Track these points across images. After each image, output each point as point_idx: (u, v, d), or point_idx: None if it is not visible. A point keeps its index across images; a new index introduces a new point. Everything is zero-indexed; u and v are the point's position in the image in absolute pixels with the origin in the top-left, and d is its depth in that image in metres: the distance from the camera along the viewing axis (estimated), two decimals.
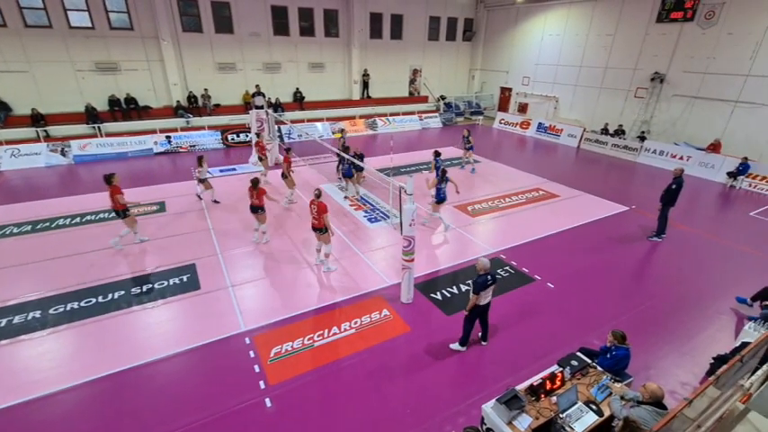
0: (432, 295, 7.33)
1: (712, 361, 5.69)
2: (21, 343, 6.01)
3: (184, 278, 7.66)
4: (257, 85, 18.81)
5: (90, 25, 16.07)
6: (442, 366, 5.75)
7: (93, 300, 6.98)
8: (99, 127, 16.10)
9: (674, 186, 9.18)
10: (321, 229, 7.61)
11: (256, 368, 5.61)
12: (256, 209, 8.80)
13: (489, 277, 5.58)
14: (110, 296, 7.09)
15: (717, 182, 14.26)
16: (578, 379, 4.56)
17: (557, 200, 12.12)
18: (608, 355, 4.76)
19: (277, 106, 19.49)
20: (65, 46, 15.84)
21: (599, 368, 4.72)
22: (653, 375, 5.59)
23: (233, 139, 17.69)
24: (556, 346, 6.03)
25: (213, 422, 4.81)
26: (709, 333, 6.55)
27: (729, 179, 13.88)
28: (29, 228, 9.61)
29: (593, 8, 19.13)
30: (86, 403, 5.07)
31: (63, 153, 14.92)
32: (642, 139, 17.20)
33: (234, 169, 14.45)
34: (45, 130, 15.43)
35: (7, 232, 9.38)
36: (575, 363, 4.69)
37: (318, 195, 7.59)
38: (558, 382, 4.40)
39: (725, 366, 3.66)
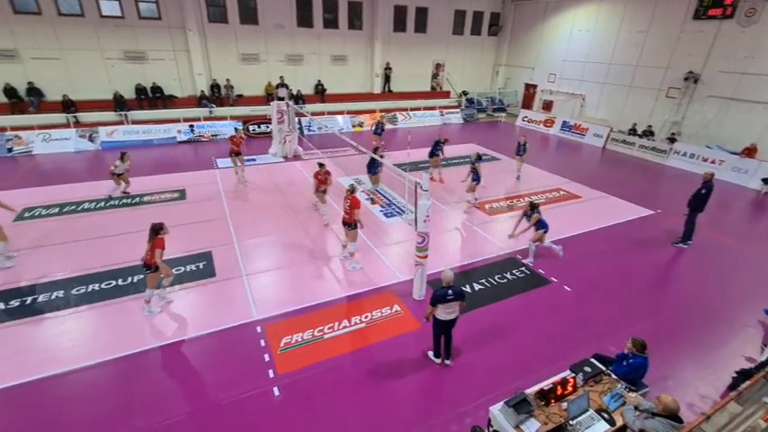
0: None
1: (735, 375, 5.45)
2: (44, 321, 6.26)
3: (201, 265, 7.81)
4: (281, 77, 18.94)
5: (120, 14, 16.47)
6: (451, 365, 5.69)
7: (114, 282, 7.20)
8: (126, 114, 16.55)
9: (703, 191, 8.78)
10: (351, 224, 7.55)
11: (266, 357, 5.68)
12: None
13: (450, 292, 5.13)
14: (129, 279, 7.29)
15: (750, 188, 13.59)
16: (591, 386, 4.43)
17: (578, 201, 11.80)
18: (624, 363, 4.61)
19: (298, 98, 19.59)
20: (95, 34, 16.30)
21: (613, 376, 4.57)
22: (671, 386, 5.39)
23: (254, 129, 17.90)
24: (569, 351, 5.88)
25: (222, 407, 4.90)
26: (733, 345, 6.27)
27: (765, 185, 13.21)
28: (56, 210, 9.98)
29: (626, 4, 18.41)
30: (103, 382, 5.24)
31: (91, 139, 15.41)
32: (672, 140, 16.53)
33: (254, 160, 14.62)
34: (75, 117, 15.95)
35: (36, 214, 9.76)
36: (588, 369, 4.55)
37: (353, 191, 7.54)
38: (570, 388, 4.28)
39: (749, 381, 3.49)
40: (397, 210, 10.61)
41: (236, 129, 12.26)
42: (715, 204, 10.12)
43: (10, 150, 14.32)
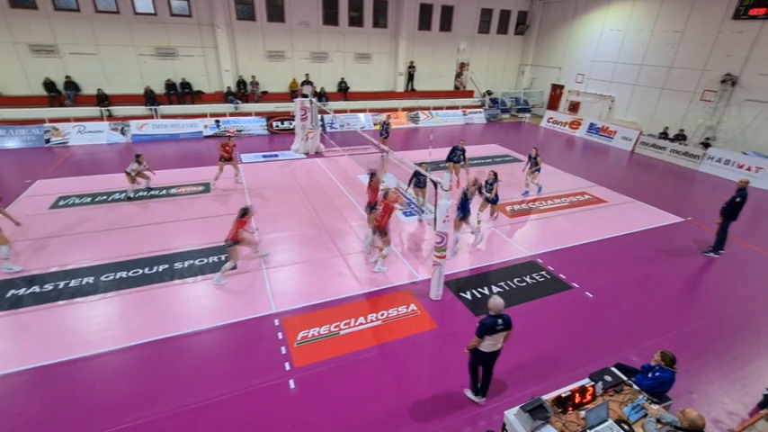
0: (461, 294, 7.19)
1: (766, 392, 5.20)
2: (74, 305, 6.54)
3: (223, 257, 7.99)
4: (307, 74, 19.15)
5: (153, 12, 16.99)
6: (466, 367, 5.63)
7: (140, 271, 7.46)
8: (156, 109, 17.08)
9: (737, 199, 8.40)
10: (384, 230, 7.46)
11: (283, 350, 5.77)
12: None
13: (500, 321, 4.52)
14: (155, 268, 7.54)
15: None
16: (611, 395, 4.31)
17: (604, 205, 11.47)
18: (650, 375, 4.45)
19: (321, 96, 19.76)
20: (129, 31, 16.87)
21: (635, 387, 4.44)
22: (695, 401, 5.19)
23: (277, 126, 18.17)
24: (588, 359, 5.75)
25: (239, 397, 5.01)
26: (764, 361, 5.98)
27: None
28: (89, 200, 10.40)
29: (662, 2, 17.73)
30: (127, 367, 5.44)
31: (122, 132, 15.98)
32: (706, 145, 15.86)
33: (276, 155, 14.85)
34: (108, 110, 16.57)
35: (69, 202, 10.20)
36: (608, 378, 4.43)
37: (386, 196, 7.45)
38: (589, 397, 4.17)
39: None
40: (416, 209, 10.57)
41: (229, 137, 12.12)
42: (749, 213, 9.68)
43: (47, 141, 15.01)
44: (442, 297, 7.00)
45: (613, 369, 4.62)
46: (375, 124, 19.88)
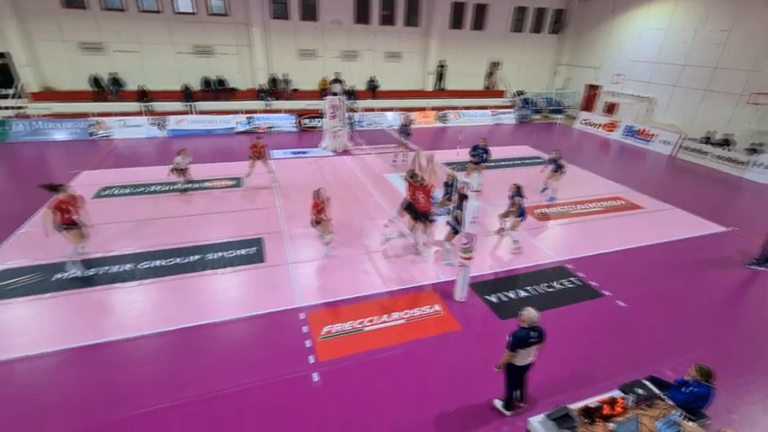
0: (486, 297, 7.09)
1: None
2: (113, 290, 6.89)
3: (252, 250, 8.21)
4: (336, 72, 19.34)
5: (192, 11, 17.62)
6: (490, 371, 5.54)
7: (175, 260, 7.76)
8: (192, 105, 17.71)
9: None
10: (429, 214, 7.63)
11: (308, 343, 5.88)
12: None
13: (534, 334, 4.41)
14: (188, 258, 7.83)
15: None
16: (642, 409, 4.14)
17: (640, 212, 11.02)
18: (684, 390, 4.26)
19: (350, 94, 19.91)
20: (169, 30, 17.57)
21: (669, 401, 4.25)
22: (736, 421, 4.92)
23: (306, 123, 18.45)
24: (618, 370, 5.54)
25: (264, 387, 5.14)
26: None
27: None
28: (128, 190, 10.91)
29: (708, 0, 16.80)
30: (160, 351, 5.68)
31: (161, 127, 16.66)
32: (753, 151, 14.93)
33: (305, 152, 15.09)
34: (147, 106, 17.32)
35: (111, 193, 10.73)
36: (640, 391, 4.27)
37: (423, 181, 7.67)
38: (619, 409, 4.03)
39: None
40: (443, 209, 10.47)
41: (258, 137, 12.32)
42: None
43: (92, 134, 15.84)
44: (466, 299, 6.93)
45: (646, 382, 4.45)
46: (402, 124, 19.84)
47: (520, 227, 8.57)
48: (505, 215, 8.88)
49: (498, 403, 4.99)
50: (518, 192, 8.46)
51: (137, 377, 5.23)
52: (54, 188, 6.97)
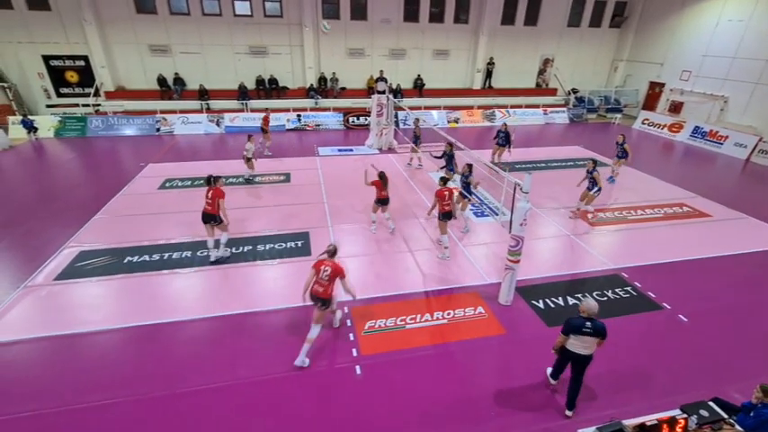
0: (533, 302, 6.87)
1: None
2: (174, 275, 7.41)
3: (299, 243, 8.50)
4: (381, 71, 19.47)
5: (249, 13, 18.48)
6: (535, 377, 5.39)
7: (229, 249, 8.20)
8: (246, 103, 18.59)
9: None
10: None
11: (351, 336, 6.00)
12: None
13: (589, 325, 4.42)
14: (241, 248, 8.25)
15: None
16: None
17: (707, 220, 10.16)
18: (751, 414, 3.90)
19: (397, 92, 19.96)
20: (229, 32, 18.55)
21: (737, 427, 3.90)
22: None
23: (353, 121, 18.74)
24: (678, 389, 5.17)
25: (308, 376, 5.32)
26: None
27: None
28: (189, 183, 11.67)
29: None
30: (210, 335, 6.04)
31: (218, 123, 17.64)
32: None
33: (351, 150, 15.34)
34: (206, 104, 18.41)
35: (173, 184, 11.53)
36: (704, 413, 3.95)
37: (445, 182, 7.82)
38: (679, 430, 3.76)
39: None
40: (490, 210, 10.27)
41: (266, 108, 15.18)
42: None
43: (158, 130, 17.10)
44: (512, 303, 6.75)
45: (710, 403, 4.11)
46: (449, 122, 19.64)
47: (594, 201, 9.71)
48: (582, 198, 9.73)
49: (549, 371, 5.27)
50: (594, 167, 9.38)
51: (184, 356, 5.61)
52: (215, 180, 7.54)
